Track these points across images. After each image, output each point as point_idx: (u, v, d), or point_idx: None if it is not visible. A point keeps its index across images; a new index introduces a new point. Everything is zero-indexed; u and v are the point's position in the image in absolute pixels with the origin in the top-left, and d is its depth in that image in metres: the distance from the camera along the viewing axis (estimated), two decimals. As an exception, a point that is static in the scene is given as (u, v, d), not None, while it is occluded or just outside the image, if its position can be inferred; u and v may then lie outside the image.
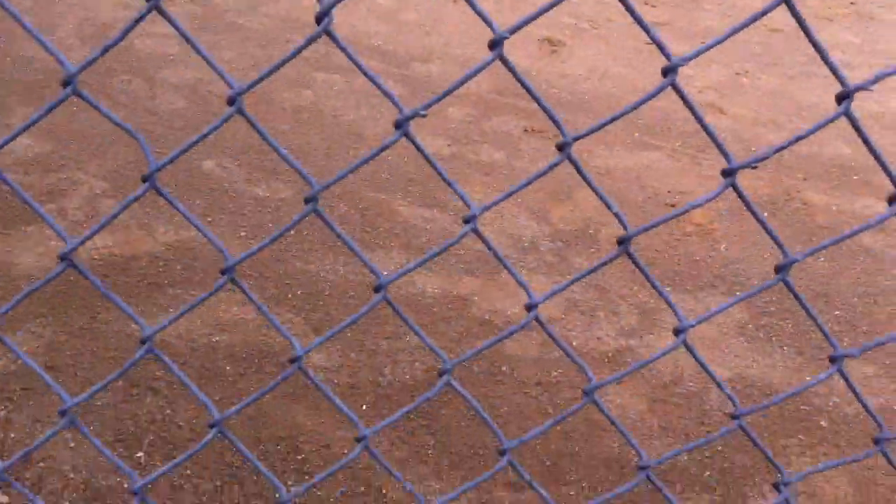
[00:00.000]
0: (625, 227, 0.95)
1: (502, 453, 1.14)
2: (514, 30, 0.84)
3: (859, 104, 4.45)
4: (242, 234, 3.02)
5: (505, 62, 0.84)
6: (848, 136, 4.09)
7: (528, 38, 4.84)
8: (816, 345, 2.82)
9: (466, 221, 0.93)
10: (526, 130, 3.93)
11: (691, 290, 3.04)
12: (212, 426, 1.01)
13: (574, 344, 2.72)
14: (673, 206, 3.50)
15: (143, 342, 1.00)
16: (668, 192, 3.58)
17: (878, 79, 0.88)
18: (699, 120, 0.85)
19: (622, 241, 0.96)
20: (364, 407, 2.42)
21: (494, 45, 0.83)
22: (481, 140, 3.80)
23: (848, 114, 0.90)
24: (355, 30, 4.68)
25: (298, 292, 2.79)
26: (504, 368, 2.62)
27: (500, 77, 4.31)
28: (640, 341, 2.78)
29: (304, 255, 2.95)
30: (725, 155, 0.93)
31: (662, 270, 3.11)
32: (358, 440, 1.06)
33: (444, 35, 4.74)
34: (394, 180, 3.45)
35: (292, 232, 3.05)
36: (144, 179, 0.98)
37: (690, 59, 0.86)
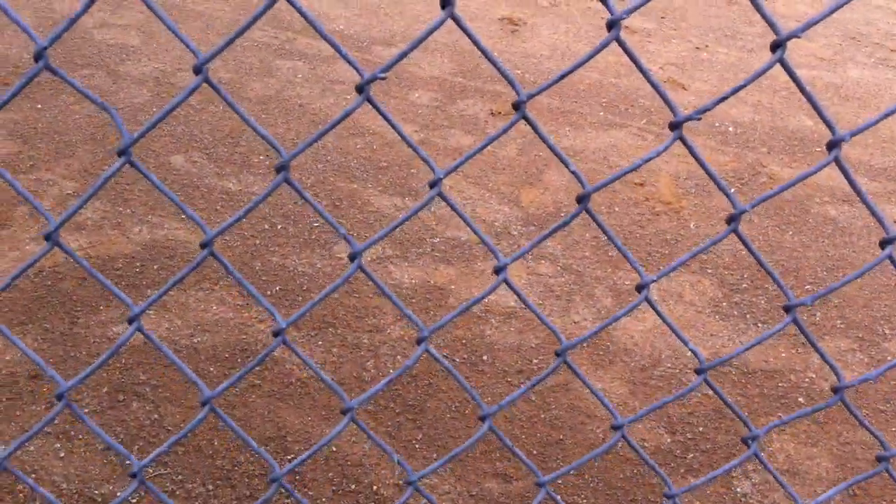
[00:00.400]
0: (583, 185, 0.97)
1: (483, 419, 1.16)
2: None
3: (817, 73, 4.53)
4: (215, 228, 3.00)
5: (458, 21, 0.85)
6: (808, 108, 4.16)
7: (489, 18, 4.83)
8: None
9: (432, 186, 0.93)
10: (492, 113, 3.94)
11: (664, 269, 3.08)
12: (203, 404, 1.01)
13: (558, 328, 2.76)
14: (641, 184, 3.54)
15: (129, 321, 1.00)
16: (636, 171, 3.62)
17: (808, 25, 0.91)
18: (644, 73, 0.87)
19: (581, 199, 0.98)
20: (350, 397, 2.43)
21: (444, 4, 0.82)
22: (449, 125, 3.80)
23: (782, 61, 0.93)
24: (315, 13, 4.64)
25: (276, 288, 2.79)
26: (485, 357, 2.65)
27: (464, 59, 4.30)
28: (618, 323, 2.83)
29: (280, 250, 2.95)
30: (672, 109, 0.95)
31: (634, 250, 3.15)
32: (344, 412, 1.07)
33: (405, 18, 4.72)
34: (364, 169, 3.44)
35: (267, 226, 3.04)
36: (120, 153, 0.96)
37: (633, 10, 0.88)
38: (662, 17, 4.99)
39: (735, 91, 0.93)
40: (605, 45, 0.89)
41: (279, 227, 3.05)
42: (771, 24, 0.87)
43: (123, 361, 2.42)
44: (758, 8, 0.86)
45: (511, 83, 0.85)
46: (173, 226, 2.97)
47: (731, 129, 3.98)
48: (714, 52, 4.59)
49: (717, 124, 4.01)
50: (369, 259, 2.95)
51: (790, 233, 3.31)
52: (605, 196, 3.43)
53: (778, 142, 3.87)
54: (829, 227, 3.36)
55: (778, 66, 4.54)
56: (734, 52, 4.64)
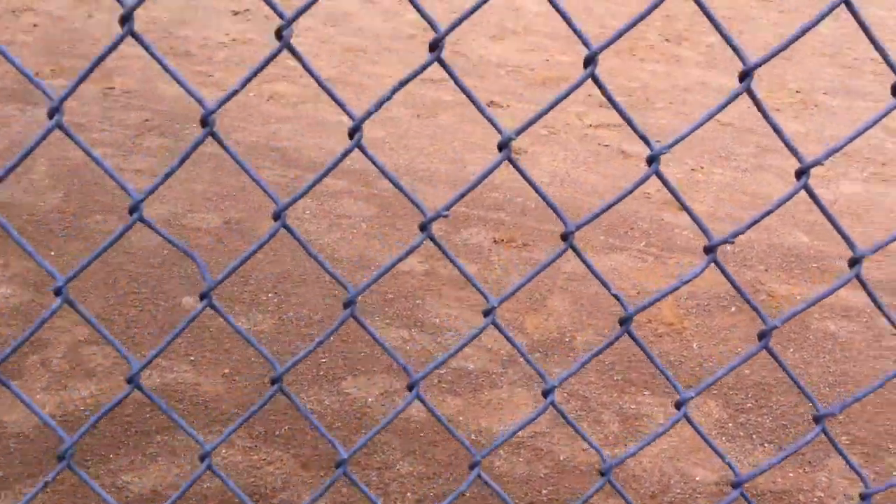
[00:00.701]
0: (624, 308, 1.04)
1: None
2: (520, 131, 0.95)
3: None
4: (226, 370, 3.06)
5: (512, 162, 0.93)
6: (804, 225, 4.25)
7: (491, 147, 5.01)
8: (796, 438, 2.90)
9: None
10: (496, 241, 4.05)
11: (669, 393, 3.11)
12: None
13: (561, 458, 2.77)
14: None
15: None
16: (637, 293, 3.69)
17: (830, 153, 0.98)
18: (682, 203, 0.94)
19: (623, 321, 1.06)
20: (359, 542, 2.44)
21: (501, 147, 0.94)
22: (453, 253, 3.90)
23: (807, 187, 1.00)
24: (324, 151, 4.82)
25: (285, 428, 2.83)
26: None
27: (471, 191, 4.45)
28: (625, 449, 2.84)
29: (290, 388, 3.00)
30: (706, 233, 1.02)
31: (639, 374, 3.19)
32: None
33: (409, 151, 4.90)
34: (370, 302, 3.52)
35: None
36: (202, 297, 1.04)
37: (670, 147, 0.96)
38: (658, 141, 5.15)
39: (765, 215, 1.00)
40: (645, 179, 0.98)
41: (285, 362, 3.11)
42: (793, 152, 0.95)
43: (134, 508, 2.45)
44: (780, 135, 0.94)
45: (559, 216, 0.93)
46: (182, 368, 3.03)
47: (727, 248, 4.07)
48: (709, 174, 4.72)
49: (715, 244, 4.09)
50: (377, 392, 3.00)
51: (791, 349, 3.34)
52: (607, 320, 3.49)
53: (775, 259, 3.95)
54: (830, 343, 3.39)
55: (769, 183, 4.66)
56: (729, 173, 4.77)
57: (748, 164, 4.88)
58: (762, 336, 1.11)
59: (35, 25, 6.31)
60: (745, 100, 5.77)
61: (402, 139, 5.07)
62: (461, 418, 2.93)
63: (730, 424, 2.97)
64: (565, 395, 3.08)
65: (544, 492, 2.66)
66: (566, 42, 6.65)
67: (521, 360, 3.26)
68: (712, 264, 1.36)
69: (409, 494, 2.60)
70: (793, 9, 7.89)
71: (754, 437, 2.91)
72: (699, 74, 6.19)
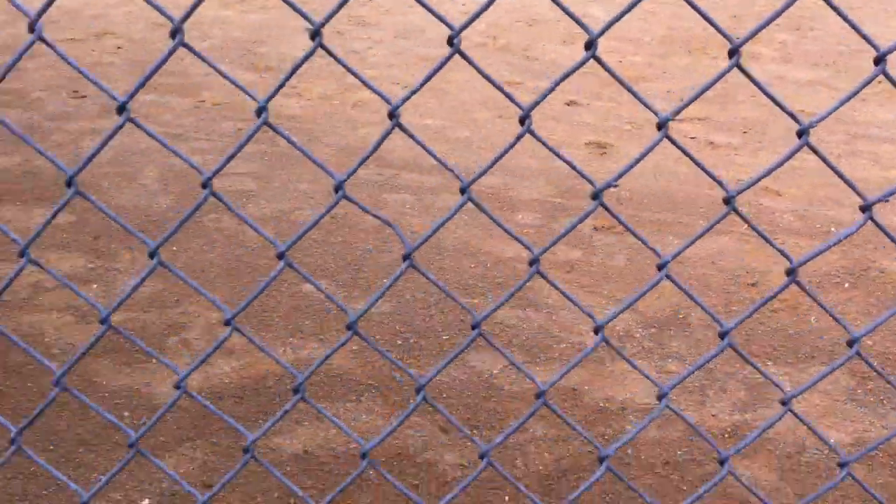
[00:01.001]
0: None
1: None
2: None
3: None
4: (354, 347, 3.14)
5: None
6: (905, 205, 4.23)
7: (576, 143, 5.07)
8: (927, 403, 2.89)
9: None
10: (595, 228, 4.09)
11: (792, 363, 3.12)
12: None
13: (695, 421, 2.79)
14: (753, 285, 3.62)
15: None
16: (746, 272, 3.71)
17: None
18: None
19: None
20: (507, 499, 2.48)
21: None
22: (555, 247, 3.95)
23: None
24: (414, 151, 4.92)
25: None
26: (629, 451, 2.69)
27: (560, 181, 4.51)
28: (756, 414, 2.85)
29: (416, 363, 3.06)
30: (860, 194, 1.07)
31: (760, 346, 3.20)
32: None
33: (496, 148, 4.97)
34: (482, 286, 3.59)
35: (400, 342, 3.18)
36: (405, 257, 1.13)
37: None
38: (745, 132, 5.17)
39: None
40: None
41: (411, 341, 3.19)
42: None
43: (287, 469, 2.53)
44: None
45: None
46: (313, 346, 3.12)
47: (832, 229, 4.06)
48: (803, 160, 4.72)
49: (817, 225, 4.09)
50: (501, 366, 3.05)
51: (912, 320, 3.33)
52: (719, 297, 3.51)
53: (882, 238, 3.93)
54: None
55: (863, 168, 4.65)
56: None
57: (839, 150, 4.87)
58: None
59: (119, 48, 6.55)
60: (827, 90, 5.77)
61: (487, 139, 5.15)
62: (587, 387, 2.97)
63: (859, 391, 2.96)
64: (686, 366, 3.10)
65: (679, 453, 2.68)
66: (636, 44, 6.71)
67: (637, 335, 3.29)
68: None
69: (545, 454, 2.64)
70: (859, 5, 7.85)
71: (885, 401, 2.90)
72: (775, 69, 6.20)
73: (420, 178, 4.56)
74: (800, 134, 1.15)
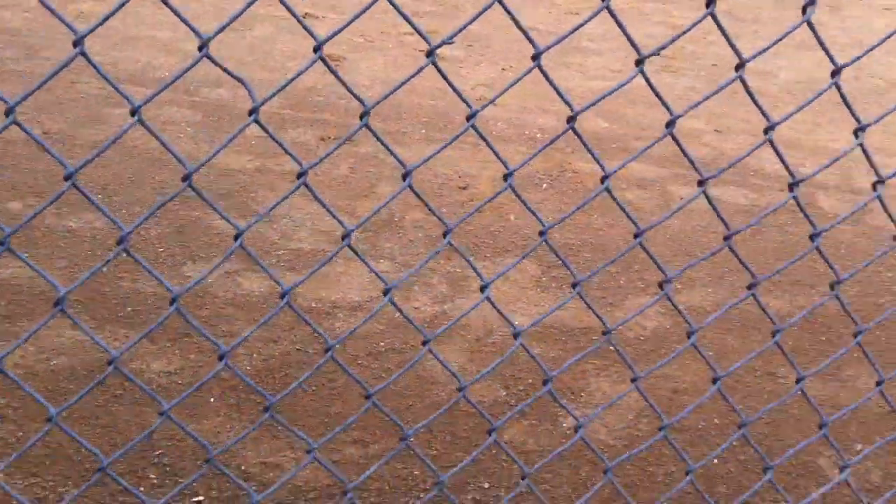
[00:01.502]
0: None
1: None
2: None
3: (609, 85, 5.06)
4: (62, 265, 3.10)
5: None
6: (605, 112, 4.66)
7: (308, 56, 5.12)
8: (597, 286, 3.29)
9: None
10: (322, 139, 4.21)
11: (490, 257, 3.42)
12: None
13: (396, 316, 3.02)
14: (464, 188, 3.89)
15: None
16: (460, 177, 3.98)
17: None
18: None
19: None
20: (212, 400, 2.60)
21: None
22: (281, 152, 4.04)
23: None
24: (140, 64, 4.77)
25: (128, 310, 2.92)
26: (337, 347, 2.88)
27: (291, 94, 4.56)
28: (454, 304, 3.13)
29: (129, 276, 3.08)
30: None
31: (463, 241, 3.48)
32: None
33: (232, 61, 4.93)
34: (207, 196, 3.61)
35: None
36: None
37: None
38: (469, 45, 5.43)
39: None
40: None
41: (122, 255, 3.18)
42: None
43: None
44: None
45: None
46: (16, 264, 3.05)
47: (538, 135, 4.42)
48: (517, 71, 5.05)
49: (526, 132, 4.43)
50: (221, 273, 3.13)
51: (596, 215, 3.73)
52: (435, 201, 3.75)
53: (578, 142, 4.33)
54: (628, 209, 3.81)
55: (578, 75, 5.04)
56: (535, 71, 5.11)
57: (553, 62, 5.25)
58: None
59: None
60: (552, 9, 6.13)
61: (219, 51, 5.08)
62: (300, 289, 3.12)
63: (543, 278, 3.32)
64: (397, 265, 3.32)
65: (381, 344, 2.91)
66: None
67: (353, 238, 3.47)
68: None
69: (255, 355, 2.78)
70: None
71: (564, 287, 3.28)
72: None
73: (145, 91, 4.45)
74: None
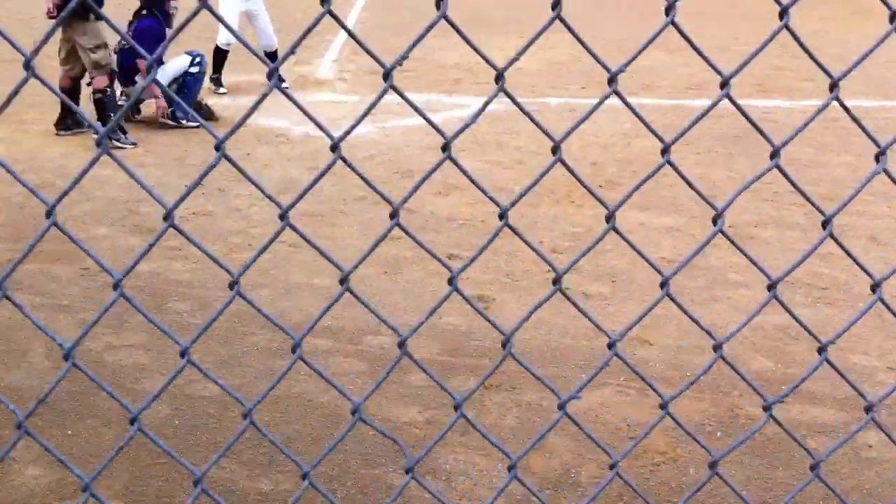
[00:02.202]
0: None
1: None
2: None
3: (765, 318, 5.05)
4: None
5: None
6: (767, 350, 4.64)
7: (458, 298, 5.31)
8: None
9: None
10: (486, 387, 4.29)
11: (677, 517, 3.34)
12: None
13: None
14: (632, 438, 3.87)
15: None
16: (627, 426, 3.97)
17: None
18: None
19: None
20: None
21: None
22: (449, 403, 4.12)
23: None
24: (304, 314, 5.04)
25: None
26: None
27: (450, 339, 4.71)
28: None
29: None
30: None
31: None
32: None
33: (385, 306, 5.16)
34: (380, 453, 3.70)
35: None
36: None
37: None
38: (613, 282, 5.56)
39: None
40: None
41: (318, 521, 3.23)
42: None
43: None
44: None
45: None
46: None
47: (702, 378, 4.40)
48: (669, 307, 5.11)
49: (687, 373, 4.43)
50: None
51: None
52: (600, 451, 3.73)
53: (745, 384, 4.29)
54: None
55: (720, 314, 5.07)
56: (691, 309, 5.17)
57: (699, 297, 5.30)
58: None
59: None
60: (684, 239, 6.28)
61: (377, 295, 5.33)
62: None
63: None
64: (582, 527, 3.27)
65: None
66: (509, 195, 7.13)
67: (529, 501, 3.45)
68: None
69: None
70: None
71: None
72: (635, 216, 6.70)
73: (313, 340, 4.67)
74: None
